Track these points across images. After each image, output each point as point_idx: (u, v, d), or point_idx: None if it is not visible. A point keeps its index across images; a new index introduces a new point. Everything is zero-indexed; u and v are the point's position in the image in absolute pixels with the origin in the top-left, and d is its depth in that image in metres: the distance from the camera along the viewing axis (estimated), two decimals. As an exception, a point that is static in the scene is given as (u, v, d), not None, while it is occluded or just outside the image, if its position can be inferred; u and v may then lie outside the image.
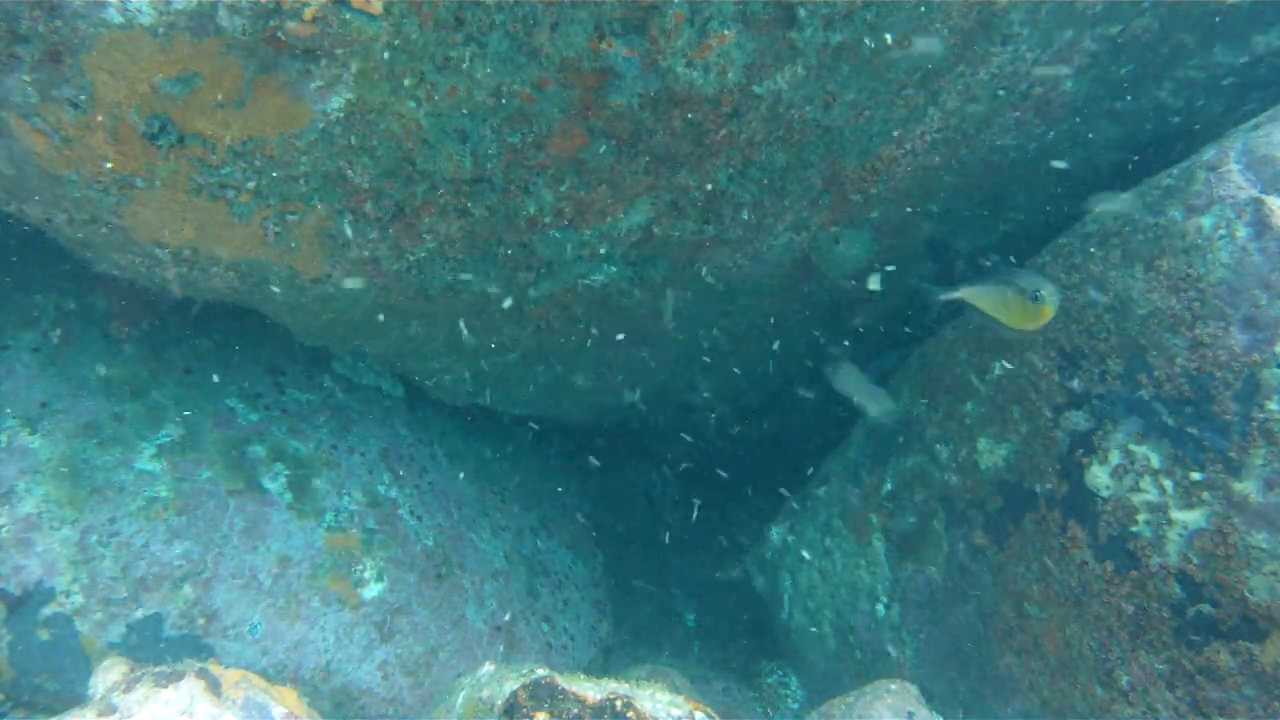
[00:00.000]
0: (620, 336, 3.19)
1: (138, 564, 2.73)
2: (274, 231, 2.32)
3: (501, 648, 3.35)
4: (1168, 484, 2.41)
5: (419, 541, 3.30)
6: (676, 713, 1.86)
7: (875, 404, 3.17)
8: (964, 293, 2.66)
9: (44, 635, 2.61)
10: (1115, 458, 2.53)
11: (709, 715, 1.92)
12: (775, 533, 3.82)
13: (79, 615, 2.64)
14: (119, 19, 1.78)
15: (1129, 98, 3.07)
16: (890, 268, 3.13)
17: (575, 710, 1.83)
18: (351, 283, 2.53)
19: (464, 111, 2.09)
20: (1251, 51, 3.00)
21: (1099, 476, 2.56)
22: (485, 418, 4.12)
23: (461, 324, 2.86)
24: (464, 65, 1.98)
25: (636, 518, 4.85)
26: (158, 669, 1.94)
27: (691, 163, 2.39)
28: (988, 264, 3.23)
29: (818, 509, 3.61)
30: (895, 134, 2.61)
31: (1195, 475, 2.35)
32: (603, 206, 2.45)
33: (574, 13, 1.93)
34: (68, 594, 2.64)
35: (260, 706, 1.97)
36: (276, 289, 2.57)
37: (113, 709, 1.83)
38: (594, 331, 3.13)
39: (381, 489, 3.33)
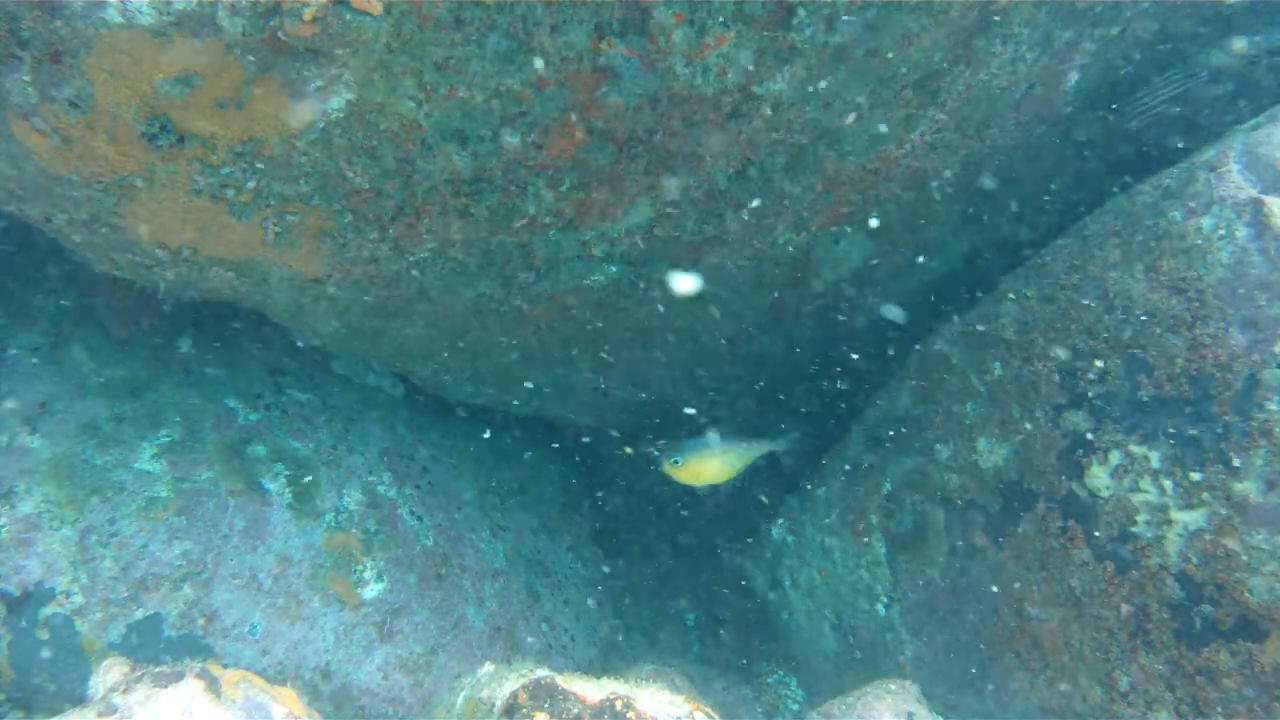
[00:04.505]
0: (621, 338, 3.19)
1: (138, 564, 2.73)
2: (274, 231, 2.32)
3: (501, 648, 3.35)
4: (1168, 484, 2.41)
5: (419, 542, 3.30)
6: (676, 713, 1.86)
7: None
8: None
9: (44, 635, 2.61)
10: (1115, 458, 2.53)
11: (709, 715, 1.91)
12: (775, 532, 3.82)
13: (79, 615, 2.64)
14: (119, 19, 1.78)
15: (1128, 98, 3.07)
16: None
17: (575, 710, 1.83)
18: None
19: (463, 112, 2.09)
20: (1250, 52, 3.00)
21: (1099, 476, 2.56)
22: (486, 417, 4.12)
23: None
24: (464, 65, 1.98)
25: (637, 517, 4.85)
26: (158, 669, 1.94)
27: (691, 163, 2.39)
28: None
29: (817, 509, 3.61)
30: (895, 134, 2.61)
31: (1195, 475, 2.35)
32: (602, 207, 2.45)
33: (574, 13, 1.93)
34: (68, 594, 2.64)
35: (260, 707, 1.97)
36: (276, 289, 2.57)
37: (113, 709, 1.83)
38: (594, 332, 3.13)
39: (381, 489, 3.33)
